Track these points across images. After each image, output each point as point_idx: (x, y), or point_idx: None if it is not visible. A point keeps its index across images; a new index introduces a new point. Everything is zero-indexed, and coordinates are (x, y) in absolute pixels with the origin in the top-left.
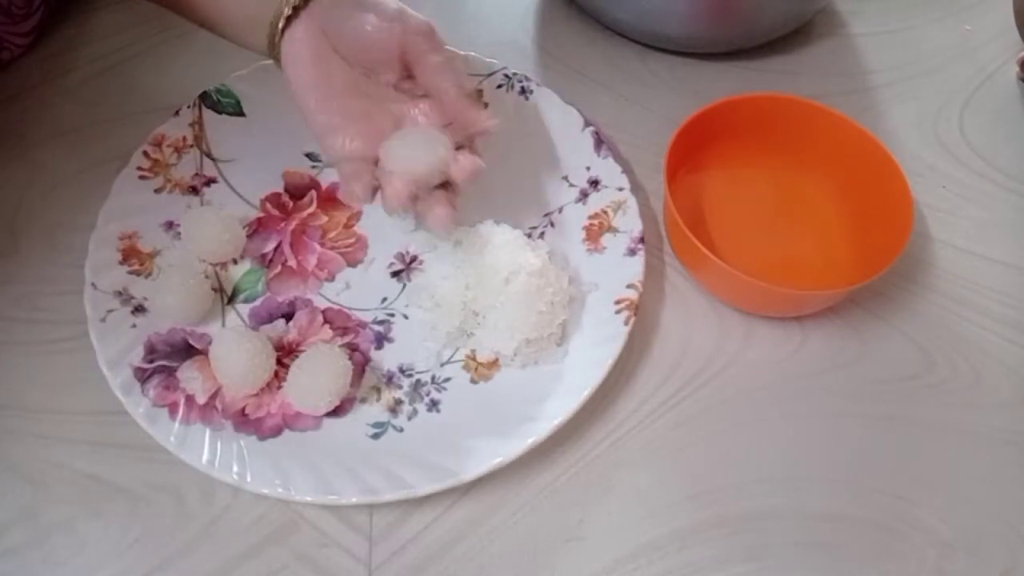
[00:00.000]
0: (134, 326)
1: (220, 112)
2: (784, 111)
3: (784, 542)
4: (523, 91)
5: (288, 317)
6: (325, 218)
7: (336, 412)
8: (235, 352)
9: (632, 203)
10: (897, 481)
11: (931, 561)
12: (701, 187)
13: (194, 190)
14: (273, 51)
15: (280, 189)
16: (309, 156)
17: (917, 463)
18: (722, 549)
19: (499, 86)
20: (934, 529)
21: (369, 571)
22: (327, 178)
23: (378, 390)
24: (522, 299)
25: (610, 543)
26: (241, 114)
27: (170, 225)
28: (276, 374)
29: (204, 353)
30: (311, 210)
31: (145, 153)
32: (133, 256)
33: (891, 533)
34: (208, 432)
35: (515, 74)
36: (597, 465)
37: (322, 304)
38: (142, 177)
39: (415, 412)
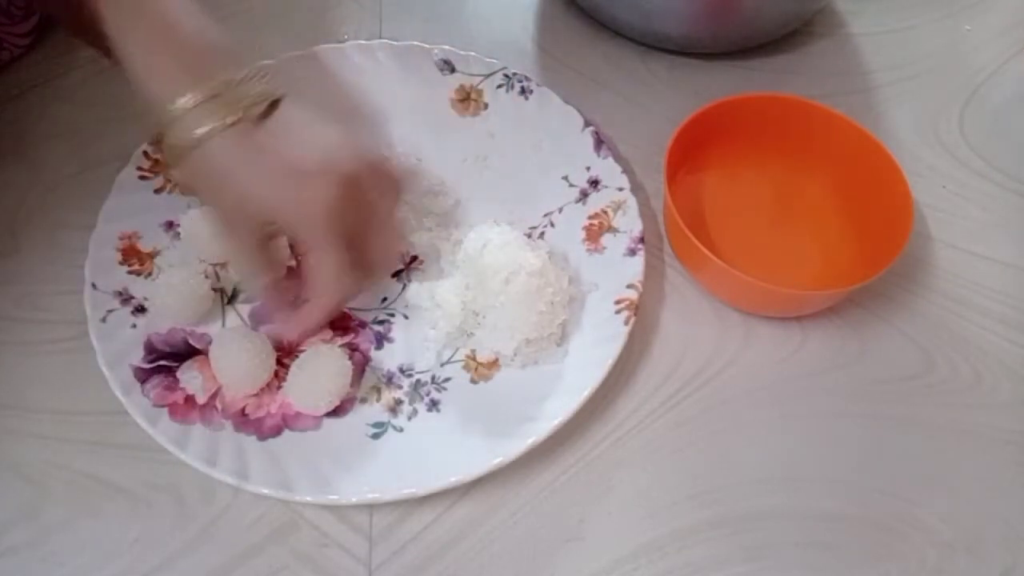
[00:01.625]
0: (134, 326)
1: None
2: (784, 111)
3: (784, 542)
4: (523, 91)
5: None
6: None
7: (336, 412)
8: (235, 352)
9: (632, 203)
10: (897, 481)
11: (931, 561)
12: (701, 187)
13: None
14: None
15: None
16: None
17: (917, 463)
18: (722, 549)
19: (499, 86)
20: (934, 529)
21: (369, 571)
22: None
23: (378, 390)
24: (522, 299)
25: (610, 543)
26: None
27: (170, 225)
28: (276, 374)
29: (204, 353)
30: None
31: (145, 153)
32: (133, 256)
33: (891, 533)
34: (208, 432)
35: (515, 74)
36: (597, 465)
37: None
38: (142, 177)
39: (415, 412)
